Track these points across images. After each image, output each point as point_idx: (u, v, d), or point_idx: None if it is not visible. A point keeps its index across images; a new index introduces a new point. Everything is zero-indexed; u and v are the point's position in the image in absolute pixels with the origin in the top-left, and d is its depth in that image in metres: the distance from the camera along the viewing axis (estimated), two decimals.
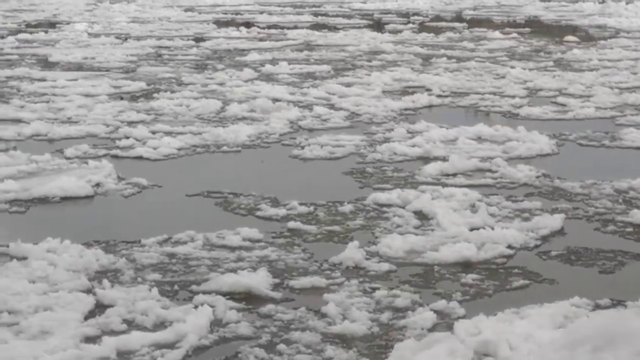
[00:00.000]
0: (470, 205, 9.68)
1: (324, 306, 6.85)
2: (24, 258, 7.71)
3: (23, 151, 11.72)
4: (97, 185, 9.99)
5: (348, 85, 16.84)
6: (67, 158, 11.51)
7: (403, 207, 9.54)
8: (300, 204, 9.57)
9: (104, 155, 11.78)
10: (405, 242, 8.42)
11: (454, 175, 10.97)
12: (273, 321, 6.67)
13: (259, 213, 9.43)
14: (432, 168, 11.12)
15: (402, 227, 8.96)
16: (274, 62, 20.08)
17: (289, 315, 6.74)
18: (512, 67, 18.61)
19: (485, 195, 10.01)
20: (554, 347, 5.65)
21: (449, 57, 20.83)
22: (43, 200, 9.57)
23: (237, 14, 36.37)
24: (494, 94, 16.15)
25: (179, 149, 12.22)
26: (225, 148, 12.34)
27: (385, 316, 6.74)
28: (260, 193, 10.09)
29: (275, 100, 15.11)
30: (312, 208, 9.52)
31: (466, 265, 7.97)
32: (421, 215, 9.34)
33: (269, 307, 6.87)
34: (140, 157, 11.83)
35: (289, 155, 11.98)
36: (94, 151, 12.02)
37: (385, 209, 9.56)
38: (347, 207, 9.56)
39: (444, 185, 10.41)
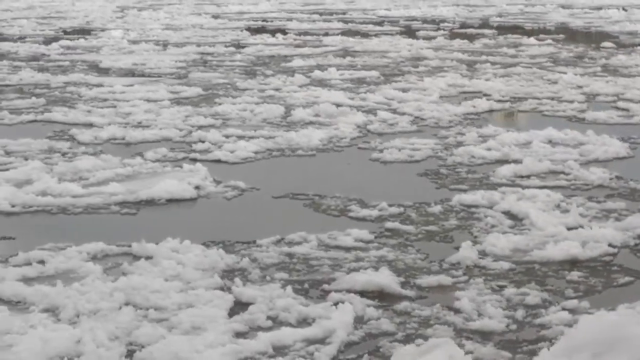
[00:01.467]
0: (555, 206, 9.90)
1: (457, 302, 7.04)
2: (149, 257, 7.92)
3: (98, 154, 11.98)
4: (197, 187, 10.21)
5: (404, 90, 17.07)
6: (149, 161, 11.71)
7: (490, 208, 9.75)
8: (390, 205, 9.79)
9: (183, 159, 12.03)
10: (509, 241, 8.61)
11: (528, 177, 11.17)
12: (411, 317, 6.86)
13: (351, 214, 9.64)
14: (506, 170, 11.34)
15: (497, 227, 9.17)
16: (322, 68, 20.28)
17: (425, 312, 6.93)
18: (564, 73, 18.85)
19: (567, 197, 10.23)
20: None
21: (493, 63, 21.06)
22: (150, 203, 9.79)
23: (264, 20, 36.65)
24: (552, 99, 16.39)
25: (256, 153, 12.43)
26: (300, 152, 12.55)
27: (519, 314, 6.91)
28: (344, 195, 10.30)
29: (337, 105, 15.35)
30: (401, 209, 9.72)
31: (572, 263, 8.17)
32: (511, 215, 9.55)
33: (404, 304, 7.06)
34: (218, 161, 12.01)
35: (369, 158, 12.21)
36: (173, 154, 12.23)
37: (473, 209, 9.77)
38: (436, 208, 9.77)
39: (520, 186, 10.61)
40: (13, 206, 9.42)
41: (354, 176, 11.52)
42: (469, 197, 10.09)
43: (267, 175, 11.45)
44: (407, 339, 6.50)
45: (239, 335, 6.46)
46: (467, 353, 6.31)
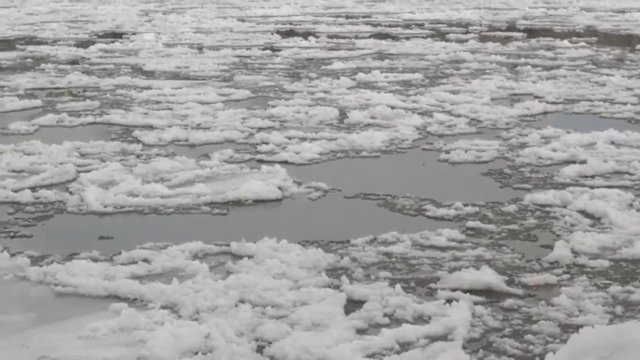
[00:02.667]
0: (628, 205, 10.00)
1: (561, 299, 7.14)
2: (250, 256, 8.04)
3: (172, 156, 12.12)
4: (280, 188, 10.32)
5: (453, 92, 17.20)
6: (224, 162, 11.76)
7: (564, 207, 9.87)
8: (464, 205, 9.91)
9: (250, 160, 12.16)
10: (595, 239, 8.72)
11: (592, 177, 11.29)
12: (518, 314, 6.98)
13: (428, 213, 9.77)
14: (570, 170, 11.47)
15: (577, 225, 9.28)
16: (364, 70, 20.42)
17: (532, 309, 7.04)
18: (611, 75, 18.97)
19: (638, 196, 10.35)
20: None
21: (534, 66, 21.17)
22: (237, 203, 9.91)
23: (290, 24, 36.79)
24: (604, 100, 16.50)
25: (320, 154, 12.55)
26: (364, 153, 12.66)
27: (619, 309, 7.03)
28: (415, 195, 10.43)
29: (391, 107, 15.45)
30: (477, 208, 9.85)
31: None
32: (587, 214, 9.67)
33: (509, 302, 7.17)
34: (285, 162, 12.08)
35: (437, 159, 12.36)
36: (239, 156, 12.35)
37: (547, 209, 9.90)
38: (511, 208, 9.89)
39: (584, 186, 10.74)
40: (105, 206, 9.55)
41: (422, 176, 11.66)
42: (541, 197, 10.22)
43: (337, 176, 11.51)
44: (517, 336, 6.62)
45: (359, 331, 6.58)
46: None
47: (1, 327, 6.60)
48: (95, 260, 8.00)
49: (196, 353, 6.15)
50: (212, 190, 10.03)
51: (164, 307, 6.91)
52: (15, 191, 10.04)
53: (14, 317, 6.78)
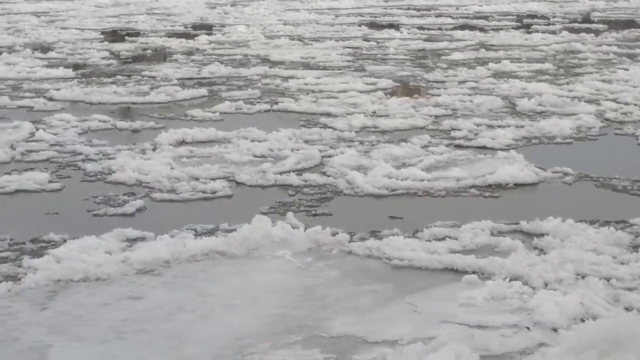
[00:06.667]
0: None
1: None
2: (542, 235, 8.36)
3: (396, 142, 12.40)
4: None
5: (605, 82, 17.45)
6: (450, 147, 12.19)
7: None
8: None
9: (449, 145, 12.45)
10: None
11: None
12: None
13: None
14: None
15: None
16: (486, 60, 20.71)
17: None
18: None
19: None
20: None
21: None
22: (499, 187, 10.23)
23: (361, 16, 37.04)
24: None
25: (515, 140, 12.85)
26: (558, 140, 12.96)
27: None
28: (625, 177, 10.73)
29: (557, 96, 15.75)
30: None
31: None
32: None
33: None
34: (484, 147, 12.39)
35: (637, 143, 12.77)
36: (437, 141, 12.65)
37: None
38: None
39: None
40: (379, 189, 9.91)
41: (623, 159, 11.96)
42: None
43: (541, 161, 11.76)
44: None
45: None
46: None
47: (373, 296, 6.94)
48: (400, 237, 8.31)
49: (582, 320, 6.46)
50: (468, 174, 10.37)
51: (512, 280, 7.21)
52: (280, 174, 10.41)
53: (375, 287, 7.12)
